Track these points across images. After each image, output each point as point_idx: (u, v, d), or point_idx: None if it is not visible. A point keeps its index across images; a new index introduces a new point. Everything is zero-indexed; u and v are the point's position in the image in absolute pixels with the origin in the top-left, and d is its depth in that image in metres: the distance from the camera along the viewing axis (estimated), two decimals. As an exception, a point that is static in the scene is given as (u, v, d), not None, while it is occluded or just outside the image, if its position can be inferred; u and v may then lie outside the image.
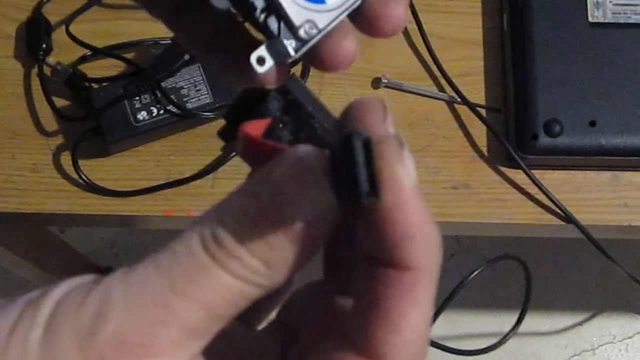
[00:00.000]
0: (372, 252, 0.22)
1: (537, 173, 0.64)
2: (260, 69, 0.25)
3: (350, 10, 0.25)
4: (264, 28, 0.25)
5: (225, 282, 0.20)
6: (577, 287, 1.34)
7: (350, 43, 0.25)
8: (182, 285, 0.20)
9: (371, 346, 0.21)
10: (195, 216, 0.55)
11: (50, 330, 0.19)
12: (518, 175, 0.65)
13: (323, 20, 0.25)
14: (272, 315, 0.28)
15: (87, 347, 0.19)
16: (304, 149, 0.22)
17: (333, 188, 0.22)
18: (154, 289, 0.20)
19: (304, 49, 0.25)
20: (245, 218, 0.21)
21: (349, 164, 0.21)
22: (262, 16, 0.25)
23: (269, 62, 0.25)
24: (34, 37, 0.66)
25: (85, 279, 0.21)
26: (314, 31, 0.25)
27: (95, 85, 0.65)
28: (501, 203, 0.65)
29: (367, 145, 0.21)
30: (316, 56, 0.25)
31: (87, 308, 0.20)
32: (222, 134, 0.28)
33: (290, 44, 0.25)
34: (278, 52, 0.25)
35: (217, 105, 0.64)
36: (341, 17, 0.26)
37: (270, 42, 0.25)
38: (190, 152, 0.65)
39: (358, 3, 0.25)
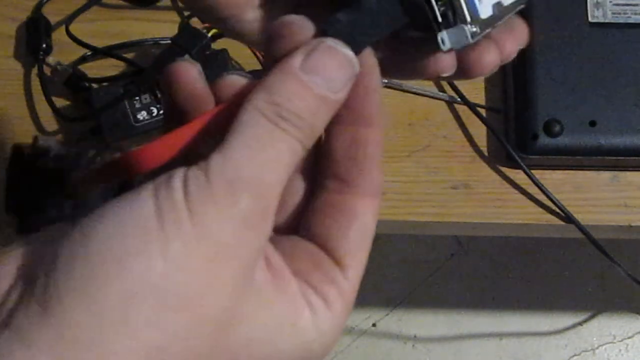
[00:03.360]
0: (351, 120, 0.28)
1: (537, 173, 0.64)
2: (445, 48, 0.29)
3: (518, 9, 0.31)
4: (442, 18, 0.29)
5: (291, 145, 0.26)
6: (577, 287, 1.34)
7: (494, 53, 0.31)
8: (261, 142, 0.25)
9: (365, 186, 0.29)
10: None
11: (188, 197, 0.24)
12: (518, 175, 0.65)
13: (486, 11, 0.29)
14: None
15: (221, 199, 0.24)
16: (317, 39, 0.27)
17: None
18: (254, 143, 0.25)
19: (481, 35, 0.29)
20: (294, 97, 0.26)
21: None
22: (441, 9, 0.28)
23: (448, 46, 0.29)
24: (34, 37, 0.66)
25: (180, 171, 0.25)
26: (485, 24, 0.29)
27: (95, 85, 0.65)
28: (501, 203, 0.65)
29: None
30: (463, 63, 0.30)
31: (215, 181, 0.24)
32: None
33: (469, 29, 0.28)
34: (456, 39, 0.29)
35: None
36: (510, 15, 0.31)
37: (450, 29, 0.29)
38: (190, 152, 0.65)
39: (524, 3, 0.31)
